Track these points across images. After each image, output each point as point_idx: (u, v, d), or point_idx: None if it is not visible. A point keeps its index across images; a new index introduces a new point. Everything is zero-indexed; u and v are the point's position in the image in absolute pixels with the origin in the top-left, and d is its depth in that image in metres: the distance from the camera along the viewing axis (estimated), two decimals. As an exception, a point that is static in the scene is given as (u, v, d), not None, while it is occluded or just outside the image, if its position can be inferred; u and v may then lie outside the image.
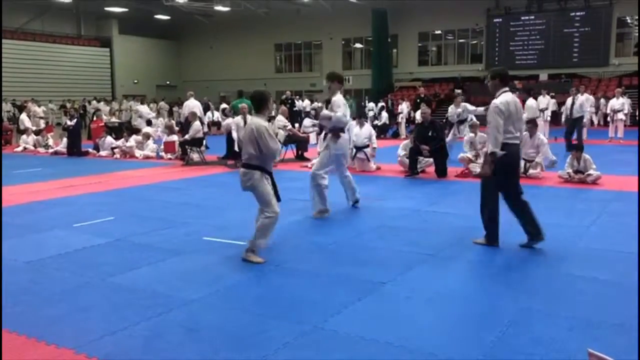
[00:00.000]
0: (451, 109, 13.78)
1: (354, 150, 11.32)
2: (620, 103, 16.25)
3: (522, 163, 9.79)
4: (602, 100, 22.47)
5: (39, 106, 24.96)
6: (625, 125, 16.81)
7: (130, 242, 5.90)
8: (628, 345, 3.32)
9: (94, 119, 18.79)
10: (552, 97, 19.34)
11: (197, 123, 12.97)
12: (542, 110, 16.66)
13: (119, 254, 5.47)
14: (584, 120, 14.45)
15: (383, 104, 23.02)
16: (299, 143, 13.25)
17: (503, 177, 5.25)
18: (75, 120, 15.77)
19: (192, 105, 15.26)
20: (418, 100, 20.80)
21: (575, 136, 13.61)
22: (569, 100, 14.17)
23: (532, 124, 10.04)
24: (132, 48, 37.56)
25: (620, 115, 16.19)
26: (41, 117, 20.46)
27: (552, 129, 17.60)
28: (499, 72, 5.48)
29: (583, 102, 14.19)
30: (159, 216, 7.15)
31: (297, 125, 17.33)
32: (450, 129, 13.32)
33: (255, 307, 4.02)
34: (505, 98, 5.20)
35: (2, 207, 7.21)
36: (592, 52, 27.72)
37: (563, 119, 15.01)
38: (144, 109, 19.23)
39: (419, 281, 4.55)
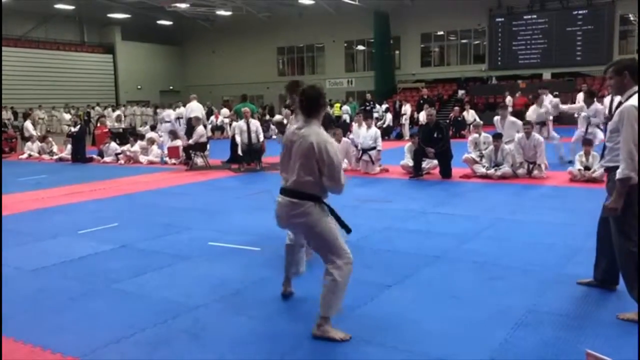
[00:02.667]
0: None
1: (360, 152, 11.32)
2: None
3: (526, 165, 9.78)
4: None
5: (67, 112, 25.04)
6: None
7: (135, 248, 5.89)
8: (637, 346, 3.28)
9: (98, 125, 18.73)
10: (555, 96, 19.26)
11: (200, 127, 12.97)
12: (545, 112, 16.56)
13: (123, 260, 5.46)
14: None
15: (387, 105, 22.99)
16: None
17: (631, 214, 3.73)
18: (79, 126, 15.81)
19: (194, 107, 15.22)
20: (421, 102, 20.80)
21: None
22: (608, 99, 13.87)
23: (528, 125, 9.97)
24: (135, 54, 37.67)
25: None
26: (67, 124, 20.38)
27: (555, 128, 17.50)
28: (628, 64, 3.84)
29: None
30: (164, 222, 7.14)
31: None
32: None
33: (261, 312, 4.00)
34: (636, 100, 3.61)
35: (1, 214, 7.20)
36: (595, 50, 27.61)
37: (603, 119, 14.75)
38: (170, 112, 18.58)
39: (425, 284, 4.52)
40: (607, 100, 13.90)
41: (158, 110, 25.20)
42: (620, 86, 3.80)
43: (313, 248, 3.72)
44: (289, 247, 4.27)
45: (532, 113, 11.98)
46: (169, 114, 15.52)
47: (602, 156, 4.16)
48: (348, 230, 3.58)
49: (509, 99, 22.28)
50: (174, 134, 14.21)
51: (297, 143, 3.47)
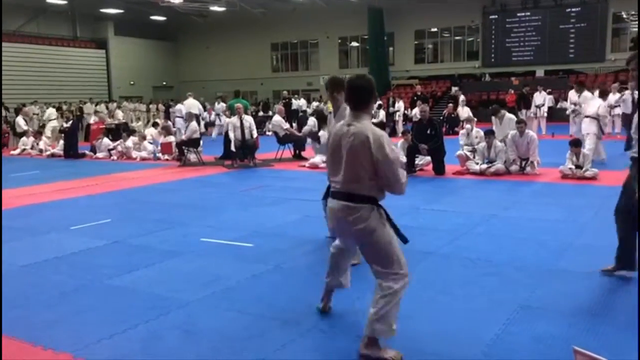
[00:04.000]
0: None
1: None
2: (616, 99, 16.23)
3: (519, 162, 9.83)
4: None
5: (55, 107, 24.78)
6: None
7: (127, 244, 5.87)
8: (628, 342, 3.30)
9: (95, 120, 18.55)
10: (548, 93, 19.35)
11: (193, 123, 12.93)
12: (538, 107, 16.66)
13: (116, 256, 5.44)
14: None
15: (380, 102, 22.99)
16: (296, 142, 13.23)
17: None
18: (71, 122, 15.73)
19: (190, 104, 15.16)
20: (415, 98, 20.82)
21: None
22: (629, 95, 13.91)
23: (522, 123, 10.02)
24: (128, 49, 37.46)
25: (618, 111, 16.18)
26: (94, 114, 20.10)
27: (548, 125, 17.63)
28: None
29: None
30: (157, 217, 7.13)
31: (294, 124, 17.28)
32: None
33: (253, 308, 4.00)
34: None
35: (1, 210, 7.16)
36: (588, 48, 27.72)
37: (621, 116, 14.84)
38: (181, 107, 18.16)
39: (417, 280, 4.51)
40: (629, 96, 13.90)
41: (171, 103, 25.16)
42: None
43: (368, 259, 3.27)
44: (336, 254, 3.70)
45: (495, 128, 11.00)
46: (180, 108, 15.51)
47: (627, 147, 4.23)
48: (404, 240, 3.23)
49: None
50: (166, 130, 14.15)
51: (347, 141, 3.08)
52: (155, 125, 17.82)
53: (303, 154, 13.09)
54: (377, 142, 2.99)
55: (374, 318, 3.11)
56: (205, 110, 22.64)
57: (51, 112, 20.50)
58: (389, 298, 3.09)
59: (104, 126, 16.79)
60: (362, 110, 3.13)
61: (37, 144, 16.72)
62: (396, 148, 3.41)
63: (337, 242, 3.67)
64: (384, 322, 3.10)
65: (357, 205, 3.08)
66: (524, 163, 9.82)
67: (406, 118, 20.99)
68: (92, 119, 20.30)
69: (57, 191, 9.44)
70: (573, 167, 9.27)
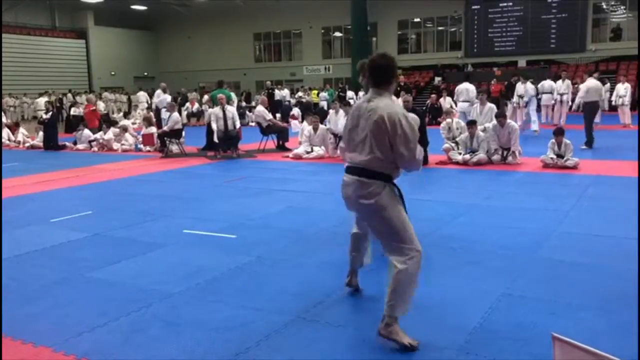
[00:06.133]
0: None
1: (338, 139, 11.30)
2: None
3: (500, 152, 9.89)
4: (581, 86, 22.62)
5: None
6: (603, 111, 17.00)
7: (109, 236, 5.81)
8: (609, 328, 3.35)
9: (86, 104, 17.87)
10: (532, 82, 19.47)
11: (175, 114, 12.80)
12: (520, 96, 16.74)
13: (97, 248, 5.39)
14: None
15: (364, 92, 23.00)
16: (280, 133, 13.18)
17: None
18: (50, 113, 15.50)
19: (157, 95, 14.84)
20: (398, 89, 20.83)
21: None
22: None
23: (502, 117, 10.05)
24: (108, 39, 36.98)
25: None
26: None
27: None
28: None
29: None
30: (138, 209, 7.06)
31: (277, 115, 17.20)
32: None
33: (236, 299, 3.98)
34: None
35: (1, 199, 7.04)
36: (569, 38, 27.94)
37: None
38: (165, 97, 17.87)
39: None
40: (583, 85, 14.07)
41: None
42: None
43: (376, 235, 3.31)
44: (356, 235, 3.85)
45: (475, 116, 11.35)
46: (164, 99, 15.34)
47: None
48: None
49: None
50: (148, 121, 14.00)
51: (365, 116, 3.12)
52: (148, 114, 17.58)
53: (286, 144, 13.04)
54: (394, 119, 3.01)
55: (392, 298, 3.13)
56: (187, 101, 22.51)
57: (41, 102, 20.13)
58: (404, 274, 3.10)
59: (94, 108, 16.39)
60: (382, 87, 3.16)
61: (15, 135, 16.45)
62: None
63: (355, 226, 3.84)
64: (402, 300, 3.13)
65: (369, 180, 3.12)
66: (505, 153, 9.89)
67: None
68: (73, 110, 20.01)
69: (37, 183, 9.31)
70: (554, 156, 9.35)
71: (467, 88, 14.75)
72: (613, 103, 17.05)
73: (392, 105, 3.10)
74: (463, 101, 14.67)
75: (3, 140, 16.38)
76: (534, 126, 15.02)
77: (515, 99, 15.98)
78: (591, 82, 12.21)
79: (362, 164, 3.14)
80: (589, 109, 12.02)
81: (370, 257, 4.01)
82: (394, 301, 3.13)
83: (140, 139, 13.95)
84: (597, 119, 16.14)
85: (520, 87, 16.21)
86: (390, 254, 3.19)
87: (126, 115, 18.74)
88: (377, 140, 3.06)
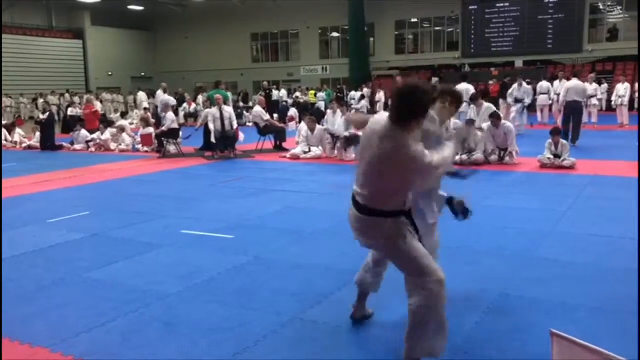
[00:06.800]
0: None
1: (335, 139, 11.32)
2: (593, 89, 16.45)
3: (497, 152, 9.91)
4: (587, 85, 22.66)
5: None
6: (600, 110, 17.08)
7: (106, 236, 5.81)
8: (606, 328, 3.36)
9: (86, 104, 17.78)
10: (528, 83, 19.50)
11: (170, 113, 12.80)
12: (519, 101, 16.76)
13: (95, 249, 5.38)
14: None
15: (362, 92, 23.02)
16: (277, 133, 13.18)
17: None
18: (47, 114, 15.47)
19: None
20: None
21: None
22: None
23: (494, 117, 10.06)
24: (105, 40, 36.86)
25: (594, 101, 16.41)
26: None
27: (530, 116, 17.75)
28: None
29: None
30: (136, 210, 7.05)
31: (275, 115, 17.20)
32: None
33: (234, 299, 3.98)
34: None
35: (1, 199, 7.02)
36: (565, 38, 27.96)
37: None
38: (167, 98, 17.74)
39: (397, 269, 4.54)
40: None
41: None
42: None
43: (397, 266, 2.98)
44: (374, 258, 3.44)
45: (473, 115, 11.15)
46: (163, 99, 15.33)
47: None
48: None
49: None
50: (145, 121, 13.99)
51: (382, 153, 2.73)
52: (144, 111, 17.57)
53: (284, 145, 13.04)
54: (414, 162, 2.65)
55: (409, 337, 2.83)
56: (184, 101, 22.45)
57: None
58: (422, 309, 2.78)
59: (95, 109, 16.32)
60: (400, 124, 2.70)
61: (12, 136, 16.41)
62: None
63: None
64: (419, 340, 2.80)
65: (376, 219, 2.85)
66: (502, 153, 9.90)
67: (387, 108, 21.04)
68: (70, 111, 19.97)
69: (34, 184, 9.29)
70: (551, 156, 9.36)
71: (465, 88, 14.75)
72: (613, 103, 17.08)
73: (413, 145, 2.65)
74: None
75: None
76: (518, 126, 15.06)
77: (509, 99, 15.94)
78: (572, 83, 12.40)
79: (367, 201, 2.89)
80: (570, 109, 12.22)
81: (379, 286, 3.52)
82: (411, 341, 2.81)
83: (138, 140, 13.93)
84: (593, 119, 16.26)
85: (515, 89, 16.12)
86: (406, 287, 2.89)
87: (124, 115, 18.67)
88: (391, 175, 2.74)
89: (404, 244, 2.83)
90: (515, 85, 15.78)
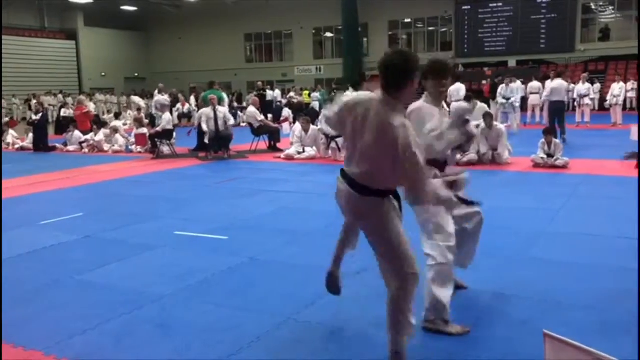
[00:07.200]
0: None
1: (329, 139, 11.32)
2: (586, 88, 16.53)
3: (490, 152, 9.96)
4: (571, 85, 22.74)
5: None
6: (592, 110, 17.15)
7: (100, 238, 5.79)
8: (600, 327, 3.37)
9: (77, 105, 17.65)
10: (522, 82, 19.56)
11: (167, 114, 12.77)
12: (507, 99, 16.81)
13: (88, 250, 5.37)
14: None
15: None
16: (271, 134, 13.16)
17: None
18: (40, 114, 15.40)
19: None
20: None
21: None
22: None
23: (488, 117, 10.12)
24: (98, 40, 36.73)
25: (587, 100, 16.48)
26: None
27: (522, 115, 17.82)
28: None
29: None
30: (129, 211, 7.03)
31: (269, 115, 17.18)
32: None
33: (228, 300, 3.98)
34: None
35: (1, 199, 6.96)
36: (558, 38, 28.08)
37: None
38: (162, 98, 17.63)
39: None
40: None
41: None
42: None
43: (374, 251, 2.98)
44: (346, 230, 3.48)
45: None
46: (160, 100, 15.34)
47: None
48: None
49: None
50: (139, 121, 13.95)
51: (376, 131, 2.71)
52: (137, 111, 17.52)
53: (278, 145, 13.03)
54: (406, 144, 2.61)
55: (392, 333, 2.86)
56: (178, 101, 22.41)
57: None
58: (404, 300, 2.82)
59: (87, 110, 16.24)
60: (390, 93, 2.69)
61: (5, 137, 16.32)
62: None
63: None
64: (403, 331, 2.85)
65: (368, 198, 2.81)
66: (494, 154, 9.95)
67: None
68: (63, 111, 19.90)
69: (27, 185, 9.25)
70: (544, 156, 9.40)
71: (458, 88, 14.80)
72: (607, 103, 17.14)
73: (405, 123, 2.66)
74: (455, 101, 14.69)
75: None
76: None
77: (498, 99, 15.93)
78: (555, 83, 12.57)
79: (361, 179, 2.84)
80: (552, 109, 12.52)
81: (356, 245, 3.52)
82: (396, 331, 2.84)
83: (132, 140, 13.89)
84: (586, 118, 16.32)
85: (503, 88, 16.11)
86: (383, 275, 2.92)
87: (117, 116, 18.59)
88: (383, 158, 2.71)
89: (394, 225, 2.83)
90: (502, 85, 15.83)
